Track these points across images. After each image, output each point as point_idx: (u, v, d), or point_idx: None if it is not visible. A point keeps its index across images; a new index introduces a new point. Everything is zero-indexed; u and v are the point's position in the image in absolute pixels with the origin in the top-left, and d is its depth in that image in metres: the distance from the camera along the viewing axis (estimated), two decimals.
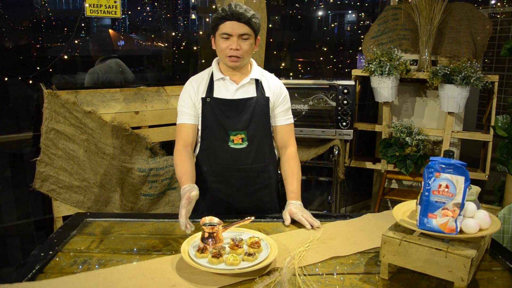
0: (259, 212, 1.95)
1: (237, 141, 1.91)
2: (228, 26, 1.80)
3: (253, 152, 1.94)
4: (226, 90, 1.92)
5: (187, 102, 1.93)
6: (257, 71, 1.97)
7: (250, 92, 1.93)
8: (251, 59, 1.98)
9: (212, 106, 1.90)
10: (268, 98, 1.94)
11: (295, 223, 1.83)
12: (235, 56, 1.83)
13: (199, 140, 1.98)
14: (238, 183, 1.97)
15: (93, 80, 3.10)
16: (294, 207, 1.87)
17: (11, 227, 2.77)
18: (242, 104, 1.91)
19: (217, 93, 1.92)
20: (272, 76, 2.02)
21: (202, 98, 1.91)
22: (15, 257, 2.81)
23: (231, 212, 1.89)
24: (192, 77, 1.99)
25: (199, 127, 1.95)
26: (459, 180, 1.28)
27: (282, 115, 1.99)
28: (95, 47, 3.32)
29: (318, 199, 4.30)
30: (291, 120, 2.03)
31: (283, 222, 1.83)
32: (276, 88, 1.97)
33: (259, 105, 1.93)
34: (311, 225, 1.76)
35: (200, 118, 1.93)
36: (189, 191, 1.66)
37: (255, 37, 1.88)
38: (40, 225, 2.81)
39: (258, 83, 1.95)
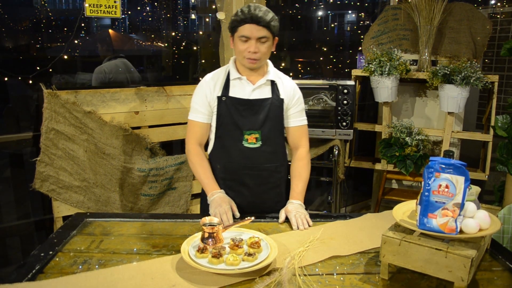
0: (268, 212, 1.96)
1: (251, 141, 1.93)
2: (247, 29, 1.80)
3: (266, 152, 1.96)
4: (243, 89, 1.93)
5: (202, 100, 1.94)
6: (273, 73, 1.98)
7: (265, 93, 1.94)
8: (268, 60, 1.99)
9: (227, 105, 1.91)
10: (282, 99, 1.96)
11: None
12: (253, 58, 1.84)
13: (212, 137, 1.99)
14: (250, 182, 1.99)
15: (99, 78, 3.10)
16: (292, 206, 1.89)
17: (11, 227, 2.76)
18: (258, 104, 1.92)
19: (233, 92, 1.93)
20: (287, 77, 2.04)
21: (218, 97, 1.92)
22: (15, 257, 2.81)
23: (240, 210, 1.90)
24: (208, 74, 2.00)
25: (214, 125, 1.96)
26: (459, 180, 1.28)
27: (295, 116, 2.01)
28: (95, 47, 3.32)
29: (318, 199, 4.30)
30: (305, 122, 2.05)
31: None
32: (290, 90, 1.99)
33: (274, 106, 1.94)
34: (298, 226, 1.78)
35: (214, 116, 1.94)
36: (228, 202, 1.84)
37: (273, 38, 1.89)
38: (40, 225, 2.81)
39: (273, 84, 1.96)
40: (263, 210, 1.97)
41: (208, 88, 1.93)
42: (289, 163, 2.09)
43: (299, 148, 2.04)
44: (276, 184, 2.03)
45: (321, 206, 4.20)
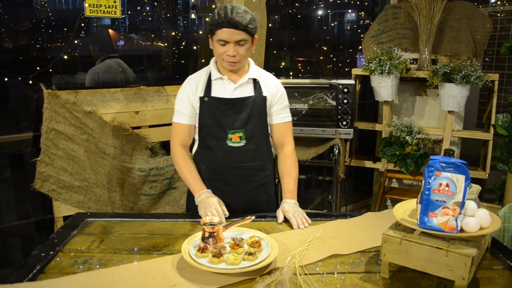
0: (255, 211, 1.96)
1: (235, 140, 1.93)
2: (225, 33, 1.78)
3: (251, 150, 1.96)
4: (224, 89, 1.93)
5: (185, 102, 1.94)
6: (255, 71, 1.98)
7: (248, 91, 1.94)
8: (249, 59, 1.99)
9: (210, 105, 1.92)
10: (265, 97, 1.96)
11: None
12: (232, 62, 1.84)
13: (196, 138, 1.99)
14: (235, 182, 1.99)
15: (93, 79, 3.10)
16: (288, 205, 1.89)
17: (11, 228, 2.76)
18: (240, 103, 1.92)
19: (215, 92, 1.93)
20: (269, 75, 2.03)
21: (200, 97, 1.92)
22: (15, 257, 2.81)
23: (228, 209, 1.90)
24: (190, 76, 2.00)
25: (197, 126, 1.96)
26: (460, 179, 1.28)
27: (278, 113, 2.01)
28: (95, 47, 3.31)
29: (318, 198, 4.30)
30: (289, 119, 2.04)
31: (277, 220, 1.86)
32: (273, 87, 1.99)
33: (257, 104, 1.94)
34: (299, 225, 1.78)
35: (197, 117, 1.94)
36: (216, 203, 1.82)
37: (252, 38, 1.87)
38: (41, 225, 2.81)
39: (255, 82, 1.96)
40: (251, 209, 1.96)
41: (190, 90, 1.93)
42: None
43: (285, 145, 2.04)
44: (262, 182, 2.03)
45: (321, 205, 4.20)
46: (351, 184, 4.14)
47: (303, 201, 3.59)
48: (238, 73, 1.94)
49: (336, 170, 3.28)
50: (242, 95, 1.93)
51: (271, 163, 2.05)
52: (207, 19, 3.94)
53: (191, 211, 2.00)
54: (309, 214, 1.89)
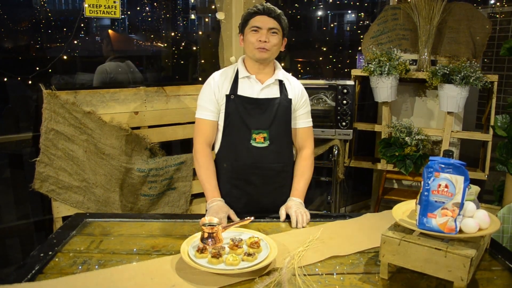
0: (273, 211, 1.95)
1: (259, 140, 1.93)
2: (258, 20, 1.87)
3: (274, 151, 1.96)
4: (251, 88, 1.94)
5: (210, 98, 1.94)
6: (281, 73, 2.00)
7: (274, 92, 1.95)
8: (276, 61, 2.01)
9: (236, 103, 1.92)
10: (290, 100, 1.97)
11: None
12: (263, 48, 1.86)
13: (219, 136, 1.98)
14: (257, 182, 1.98)
15: (101, 78, 3.09)
16: (292, 202, 1.91)
17: (10, 228, 2.76)
18: (266, 103, 1.93)
19: (242, 91, 1.93)
20: (294, 79, 2.06)
21: (226, 95, 1.92)
22: (14, 257, 2.81)
23: (246, 208, 1.90)
24: (216, 72, 2.00)
25: (221, 124, 1.96)
26: (459, 180, 1.28)
27: (302, 118, 2.03)
28: (95, 47, 3.31)
29: (318, 199, 4.30)
30: (311, 123, 2.07)
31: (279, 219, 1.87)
32: (298, 91, 2.01)
33: (282, 106, 1.95)
34: (297, 224, 1.79)
35: (222, 115, 1.94)
36: (226, 212, 1.82)
37: (283, 35, 1.93)
38: (40, 225, 2.81)
39: (282, 84, 1.98)
40: (267, 209, 1.97)
41: (216, 86, 1.94)
42: None
43: (304, 148, 2.05)
44: (282, 183, 2.03)
45: (321, 206, 4.20)
46: (350, 185, 4.14)
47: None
48: (265, 73, 1.95)
49: (336, 171, 3.28)
50: (269, 95, 1.94)
51: (291, 165, 2.06)
52: (206, 19, 3.94)
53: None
54: (309, 214, 1.89)
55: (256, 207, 1.98)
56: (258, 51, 1.87)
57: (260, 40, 1.85)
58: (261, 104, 1.93)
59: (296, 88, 2.01)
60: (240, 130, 1.93)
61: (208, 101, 1.94)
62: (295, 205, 1.88)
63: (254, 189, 1.99)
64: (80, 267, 1.46)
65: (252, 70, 1.95)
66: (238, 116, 1.92)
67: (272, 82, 1.94)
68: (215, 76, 1.97)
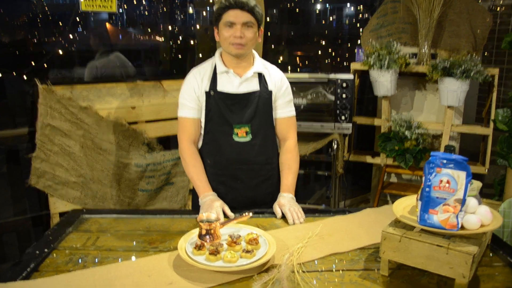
0: (259, 204, 1.95)
1: (241, 135, 1.91)
2: (232, 15, 1.80)
3: (257, 145, 1.94)
4: (230, 83, 1.91)
5: (190, 95, 1.91)
6: (260, 64, 1.96)
7: (253, 85, 1.93)
8: (254, 51, 1.96)
9: (216, 100, 1.89)
10: (271, 92, 1.94)
11: None
12: (238, 43, 1.82)
13: (202, 133, 1.96)
14: (242, 176, 1.97)
15: (91, 74, 3.06)
16: (284, 199, 1.88)
17: (7, 224, 2.74)
18: (246, 98, 1.91)
19: (221, 87, 1.90)
20: (274, 68, 2.02)
21: (206, 92, 1.89)
22: (11, 253, 2.79)
23: (234, 203, 1.88)
24: (194, 68, 1.97)
25: (202, 120, 1.94)
26: (461, 176, 1.26)
27: (283, 107, 1.99)
28: (91, 41, 3.27)
29: (316, 193, 4.29)
30: (293, 113, 2.03)
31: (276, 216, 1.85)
32: (278, 81, 1.97)
33: (263, 98, 1.92)
34: (294, 221, 1.78)
35: (203, 112, 1.92)
36: (219, 207, 1.79)
37: (258, 27, 1.88)
38: (37, 221, 2.78)
39: (261, 76, 1.95)
40: (255, 203, 1.97)
41: (196, 82, 1.91)
42: None
43: (287, 140, 2.02)
44: (268, 176, 2.02)
45: (320, 200, 4.19)
46: (349, 179, 4.13)
47: (301, 196, 3.56)
48: (243, 66, 1.92)
49: (335, 165, 3.26)
50: (248, 89, 1.91)
51: (276, 156, 2.04)
52: (204, 13, 3.90)
53: (196, 209, 1.96)
54: (307, 210, 1.87)
55: (243, 201, 1.96)
56: (234, 47, 1.83)
57: (235, 36, 1.81)
58: (241, 99, 1.90)
59: (275, 78, 1.97)
60: (222, 126, 1.91)
61: (189, 98, 1.91)
62: (288, 202, 1.86)
63: (240, 184, 1.98)
64: (76, 265, 1.44)
65: (230, 64, 1.91)
66: (219, 112, 1.89)
67: (250, 75, 1.91)
68: (195, 73, 1.94)
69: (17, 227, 2.77)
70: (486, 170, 3.19)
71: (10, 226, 2.75)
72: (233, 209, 1.85)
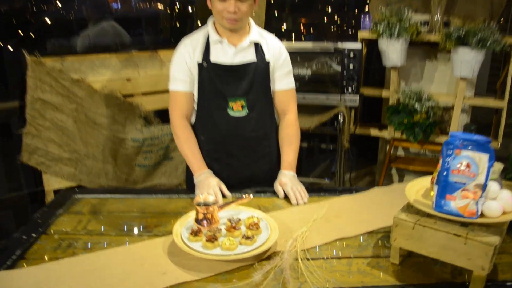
0: (258, 182, 1.86)
1: (237, 109, 1.79)
2: None
3: (253, 120, 1.82)
4: (224, 54, 1.76)
5: (182, 67, 1.77)
6: (256, 33, 1.80)
7: (249, 55, 1.78)
8: (250, 19, 1.80)
9: (209, 71, 1.76)
10: (268, 63, 1.80)
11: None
12: (233, 19, 1.66)
13: (194, 107, 1.84)
14: (238, 153, 1.87)
15: (84, 44, 2.90)
16: (285, 178, 1.79)
17: (1, 201, 2.67)
18: (242, 69, 1.77)
19: (215, 57, 1.76)
20: (271, 36, 1.86)
21: (199, 63, 1.75)
22: (7, 229, 2.73)
23: (229, 182, 1.78)
24: (185, 38, 1.81)
25: (195, 94, 1.81)
26: (482, 158, 1.14)
27: (282, 79, 1.85)
28: (86, 9, 3.09)
29: (321, 166, 4.19)
30: (292, 85, 1.89)
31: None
32: (275, 50, 1.82)
33: (259, 70, 1.79)
34: (298, 201, 1.70)
35: (196, 85, 1.78)
36: (216, 185, 1.72)
37: None
38: (32, 198, 2.70)
39: (257, 45, 1.80)
40: (253, 181, 1.86)
41: (187, 54, 1.76)
42: None
43: (287, 113, 1.89)
44: (265, 152, 1.91)
45: (324, 173, 4.09)
46: (355, 152, 4.01)
47: (305, 170, 3.44)
48: (238, 35, 1.76)
49: (341, 139, 3.14)
50: (244, 60, 1.77)
51: (274, 131, 1.93)
52: None
53: (191, 187, 1.86)
54: (311, 188, 1.78)
55: (240, 179, 1.86)
56: (228, 22, 1.68)
57: (229, 11, 1.64)
58: (236, 70, 1.76)
59: (273, 48, 1.82)
60: (216, 100, 1.78)
61: (180, 70, 1.77)
62: (289, 181, 1.77)
63: (236, 161, 1.87)
64: (66, 250, 1.36)
65: (224, 34, 1.76)
66: (213, 85, 1.76)
67: (246, 45, 1.76)
68: (186, 42, 1.79)
69: (12, 203, 2.70)
70: (499, 145, 3.05)
71: (5, 203, 2.67)
72: (231, 188, 1.75)
